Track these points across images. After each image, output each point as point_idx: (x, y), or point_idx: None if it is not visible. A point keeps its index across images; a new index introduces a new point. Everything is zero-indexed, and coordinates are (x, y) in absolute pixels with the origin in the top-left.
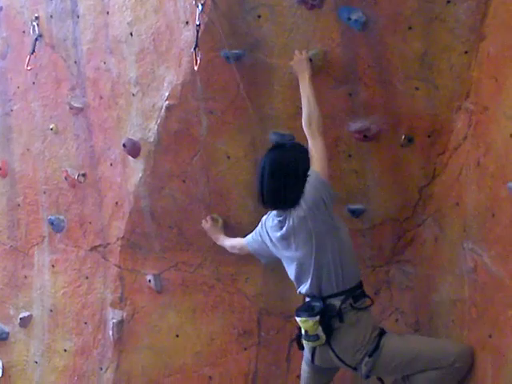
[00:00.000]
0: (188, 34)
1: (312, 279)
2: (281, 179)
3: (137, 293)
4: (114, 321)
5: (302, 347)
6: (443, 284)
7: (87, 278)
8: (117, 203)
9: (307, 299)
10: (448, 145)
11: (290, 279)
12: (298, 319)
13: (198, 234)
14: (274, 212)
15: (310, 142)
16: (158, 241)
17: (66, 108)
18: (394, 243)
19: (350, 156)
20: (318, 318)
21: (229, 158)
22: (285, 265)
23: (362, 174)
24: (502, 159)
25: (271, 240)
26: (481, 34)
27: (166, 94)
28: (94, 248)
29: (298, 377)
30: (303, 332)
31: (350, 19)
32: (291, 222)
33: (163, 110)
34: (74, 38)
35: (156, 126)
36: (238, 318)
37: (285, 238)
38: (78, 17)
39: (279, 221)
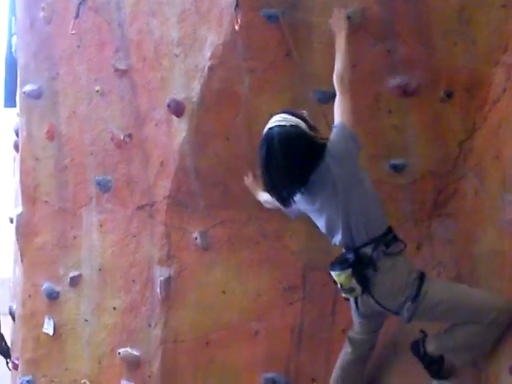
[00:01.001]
0: None
1: (342, 230)
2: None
3: (183, 250)
4: (162, 278)
5: (346, 298)
6: (484, 236)
7: (134, 236)
8: (162, 162)
9: (343, 251)
10: (487, 99)
11: None
12: (332, 273)
13: (243, 192)
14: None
15: (339, 95)
16: (203, 199)
17: (110, 70)
18: (435, 197)
19: (390, 112)
20: (350, 270)
21: (270, 115)
22: (314, 219)
23: (402, 129)
24: None
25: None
26: None
27: (208, 54)
28: (140, 207)
29: (343, 330)
30: (338, 285)
31: None
32: (316, 175)
33: (206, 70)
34: (117, 1)
35: (199, 86)
36: (284, 273)
37: (310, 193)
38: None
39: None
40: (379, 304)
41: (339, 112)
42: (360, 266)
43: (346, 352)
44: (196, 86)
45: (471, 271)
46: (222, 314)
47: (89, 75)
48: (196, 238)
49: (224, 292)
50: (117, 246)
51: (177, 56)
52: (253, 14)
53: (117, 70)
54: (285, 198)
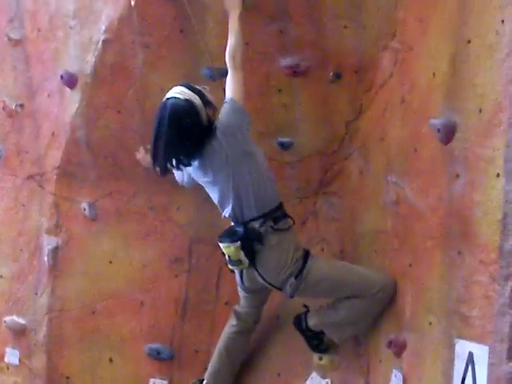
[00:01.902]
0: None
1: (233, 203)
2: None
3: (72, 220)
4: (50, 247)
5: (232, 270)
6: (367, 215)
7: (23, 205)
8: (53, 133)
9: (231, 224)
10: (374, 82)
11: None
12: (220, 245)
13: (132, 164)
14: None
15: (231, 73)
16: (93, 170)
17: (4, 39)
18: (321, 175)
19: (280, 91)
20: (238, 243)
21: (163, 90)
22: (207, 190)
23: (291, 108)
24: (424, 96)
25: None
26: None
27: (103, 27)
28: (30, 177)
29: (227, 303)
30: (226, 257)
31: None
32: (207, 149)
33: (100, 43)
34: None
35: (93, 59)
36: (170, 245)
37: (202, 164)
38: None
39: None
40: (263, 279)
41: (230, 88)
42: (248, 239)
43: (230, 325)
44: (90, 59)
45: (354, 248)
46: (109, 283)
47: None
48: (84, 209)
49: (111, 262)
50: (5, 214)
51: (72, 28)
52: None
53: (10, 39)
54: (163, 168)
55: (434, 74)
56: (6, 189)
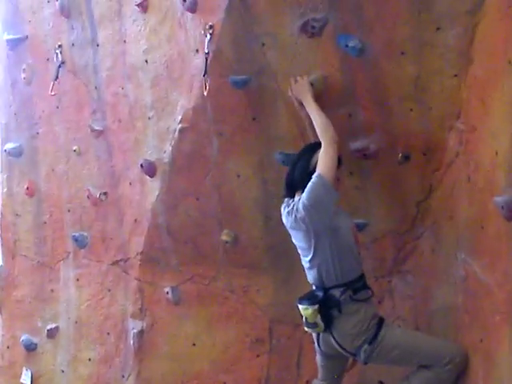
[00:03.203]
0: (198, 62)
1: (314, 271)
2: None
3: (156, 304)
4: (135, 331)
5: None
6: (440, 292)
7: (109, 290)
8: (136, 220)
9: (313, 288)
10: (442, 162)
11: (299, 289)
12: (299, 306)
13: (212, 249)
14: (286, 200)
15: (323, 148)
16: (174, 255)
17: (87, 131)
18: (395, 255)
19: (351, 173)
20: (316, 306)
21: (238, 176)
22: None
23: (363, 190)
24: (489, 175)
25: (286, 226)
26: (469, 59)
27: (179, 117)
28: (115, 262)
29: (308, 382)
30: (304, 319)
31: (347, 46)
32: (293, 217)
33: (176, 133)
34: (94, 65)
35: (170, 148)
36: (251, 327)
37: (291, 229)
38: (98, 45)
39: (288, 212)
40: (338, 344)
41: (320, 162)
42: (327, 304)
43: None
44: (167, 148)
45: (428, 325)
46: (193, 365)
47: (67, 135)
48: (168, 293)
49: (194, 344)
50: (92, 299)
51: (150, 119)
52: (221, 80)
53: (93, 130)
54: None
55: (496, 153)
56: (92, 274)
